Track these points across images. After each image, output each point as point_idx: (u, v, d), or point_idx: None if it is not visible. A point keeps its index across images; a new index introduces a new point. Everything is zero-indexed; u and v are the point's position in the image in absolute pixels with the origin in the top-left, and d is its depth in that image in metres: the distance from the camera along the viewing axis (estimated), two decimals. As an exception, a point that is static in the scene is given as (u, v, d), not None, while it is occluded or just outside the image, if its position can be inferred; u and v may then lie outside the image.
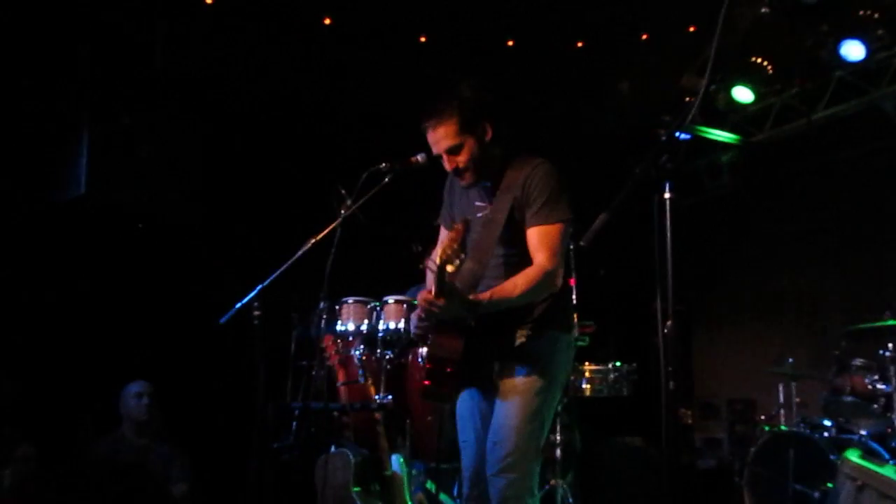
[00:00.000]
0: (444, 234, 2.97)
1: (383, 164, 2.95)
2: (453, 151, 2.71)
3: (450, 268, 2.46)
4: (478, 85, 2.72)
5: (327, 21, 4.97)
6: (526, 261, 2.69)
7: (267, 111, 5.50)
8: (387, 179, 2.95)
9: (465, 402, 2.83)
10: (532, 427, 2.63)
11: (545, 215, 2.67)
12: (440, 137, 2.71)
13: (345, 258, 2.98)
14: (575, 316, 4.37)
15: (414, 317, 2.82)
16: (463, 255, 2.47)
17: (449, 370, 2.60)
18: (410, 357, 4.20)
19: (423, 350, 3.05)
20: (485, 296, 2.62)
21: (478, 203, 2.81)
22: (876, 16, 4.63)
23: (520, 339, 2.68)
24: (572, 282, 4.38)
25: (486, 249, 2.70)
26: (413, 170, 2.97)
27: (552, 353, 2.72)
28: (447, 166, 2.77)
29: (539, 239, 2.66)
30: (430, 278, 2.68)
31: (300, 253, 2.99)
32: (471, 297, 2.58)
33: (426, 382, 2.68)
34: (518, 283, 2.63)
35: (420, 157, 2.94)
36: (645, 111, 5.53)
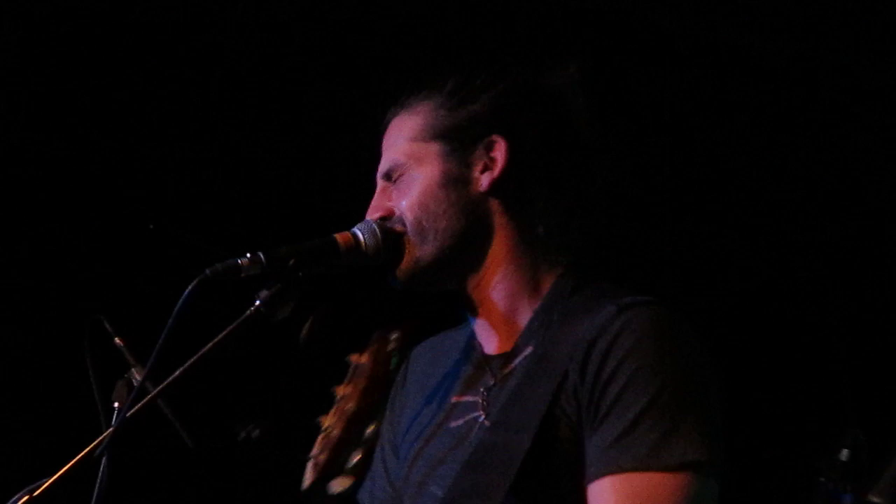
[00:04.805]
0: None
1: (247, 257, 2.62)
2: (388, 176, 2.80)
3: (337, 485, 2.41)
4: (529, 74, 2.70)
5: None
6: None
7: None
8: (261, 303, 2.63)
9: None
10: None
11: (647, 448, 2.53)
12: (391, 140, 2.86)
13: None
14: None
15: None
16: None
17: None
18: None
19: None
20: None
21: (459, 399, 2.83)
22: None
23: None
24: None
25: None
26: (341, 271, 2.72)
27: None
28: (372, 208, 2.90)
29: None
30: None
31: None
32: None
33: None
34: None
35: (364, 237, 2.72)
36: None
